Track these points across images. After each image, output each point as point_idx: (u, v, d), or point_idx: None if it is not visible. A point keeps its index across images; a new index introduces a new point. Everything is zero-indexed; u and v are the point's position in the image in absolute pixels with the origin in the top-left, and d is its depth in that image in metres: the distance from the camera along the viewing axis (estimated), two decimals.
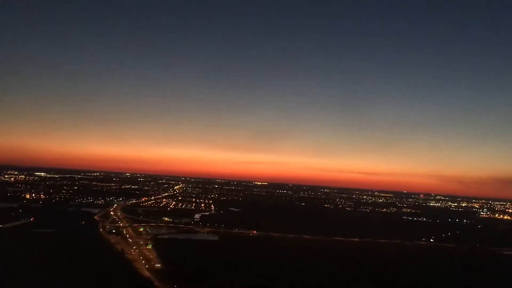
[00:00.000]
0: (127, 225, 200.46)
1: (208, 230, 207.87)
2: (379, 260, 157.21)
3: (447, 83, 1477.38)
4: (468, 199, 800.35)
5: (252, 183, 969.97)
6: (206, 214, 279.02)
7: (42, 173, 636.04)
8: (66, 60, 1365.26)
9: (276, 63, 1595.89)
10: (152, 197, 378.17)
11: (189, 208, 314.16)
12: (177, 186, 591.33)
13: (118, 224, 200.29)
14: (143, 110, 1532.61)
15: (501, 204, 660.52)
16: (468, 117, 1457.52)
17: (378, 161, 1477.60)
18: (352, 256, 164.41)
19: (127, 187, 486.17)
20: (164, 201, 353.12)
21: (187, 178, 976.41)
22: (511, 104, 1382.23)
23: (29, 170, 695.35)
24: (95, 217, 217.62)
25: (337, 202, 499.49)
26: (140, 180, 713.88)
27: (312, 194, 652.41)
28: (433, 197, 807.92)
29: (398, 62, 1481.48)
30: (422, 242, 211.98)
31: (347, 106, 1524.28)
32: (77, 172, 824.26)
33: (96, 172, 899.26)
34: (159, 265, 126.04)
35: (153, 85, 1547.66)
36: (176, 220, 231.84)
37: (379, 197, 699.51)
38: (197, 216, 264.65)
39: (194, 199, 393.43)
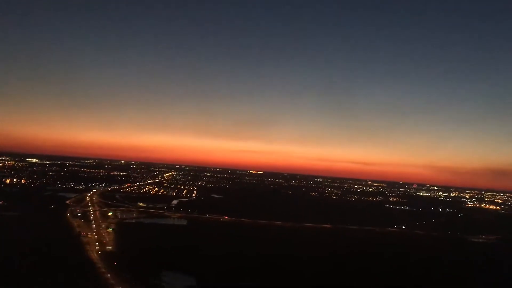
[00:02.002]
0: (97, 209, 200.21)
1: (179, 215, 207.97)
2: (336, 244, 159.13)
3: (442, 75, 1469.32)
4: (461, 189, 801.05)
5: (247, 172, 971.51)
6: (185, 200, 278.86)
7: (34, 159, 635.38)
8: (61, 52, 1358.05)
9: (271, 52, 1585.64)
10: (137, 184, 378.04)
11: (170, 194, 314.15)
12: (167, 174, 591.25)
13: (88, 209, 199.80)
14: (139, 99, 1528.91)
15: (492, 195, 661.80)
16: (464, 108, 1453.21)
17: (374, 151, 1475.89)
18: (309, 239, 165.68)
19: (115, 174, 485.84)
20: (148, 187, 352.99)
21: (182, 166, 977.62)
22: (506, 95, 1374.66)
23: (23, 156, 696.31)
24: (67, 202, 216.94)
25: (325, 190, 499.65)
26: (133, 167, 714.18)
27: (303, 183, 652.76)
28: (426, 188, 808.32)
29: (392, 53, 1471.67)
30: (393, 229, 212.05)
31: (343, 96, 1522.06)
32: (71, 159, 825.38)
33: (91, 159, 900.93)
34: (110, 247, 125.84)
35: (148, 72, 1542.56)
36: (150, 205, 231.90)
37: (371, 186, 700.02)
38: (174, 202, 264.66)
39: (179, 186, 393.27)
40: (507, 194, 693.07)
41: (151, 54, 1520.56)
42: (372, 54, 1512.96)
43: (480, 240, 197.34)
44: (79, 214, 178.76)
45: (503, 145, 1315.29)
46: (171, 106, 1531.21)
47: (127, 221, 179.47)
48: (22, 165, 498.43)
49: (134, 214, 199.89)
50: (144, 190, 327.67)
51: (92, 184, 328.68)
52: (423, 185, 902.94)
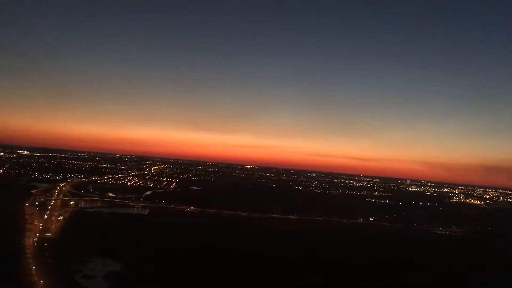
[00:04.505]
0: (60, 198, 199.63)
1: (143, 205, 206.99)
2: (291, 233, 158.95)
3: (438, 72, 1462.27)
4: (454, 185, 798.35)
5: (242, 167, 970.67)
6: (159, 192, 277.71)
7: (25, 152, 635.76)
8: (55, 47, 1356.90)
9: (265, 47, 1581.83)
10: (118, 175, 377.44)
11: (147, 185, 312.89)
12: (156, 167, 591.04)
13: (51, 198, 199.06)
14: (133, 94, 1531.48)
15: (484, 191, 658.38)
16: (460, 105, 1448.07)
17: (370, 147, 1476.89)
18: (263, 229, 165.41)
19: (102, 166, 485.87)
20: (128, 179, 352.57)
21: (176, 160, 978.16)
22: (501, 92, 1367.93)
23: (15, 148, 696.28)
24: (34, 191, 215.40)
25: (312, 185, 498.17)
26: (125, 161, 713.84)
27: (293, 177, 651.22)
28: (419, 183, 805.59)
29: (387, 50, 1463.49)
30: (360, 221, 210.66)
31: (339, 92, 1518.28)
32: (65, 152, 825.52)
33: (86, 152, 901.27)
34: (50, 234, 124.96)
35: (145, 68, 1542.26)
36: (120, 196, 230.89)
37: (362, 181, 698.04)
38: (148, 192, 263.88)
39: (162, 178, 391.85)
40: (499, 191, 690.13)
41: (146, 50, 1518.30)
42: (367, 50, 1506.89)
43: (443, 232, 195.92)
44: (37, 203, 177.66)
45: (498, 142, 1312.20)
46: (166, 101, 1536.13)
47: (86, 210, 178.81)
48: (10, 156, 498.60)
49: (98, 204, 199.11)
50: (123, 181, 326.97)
51: (71, 175, 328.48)
52: (418, 180, 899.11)
